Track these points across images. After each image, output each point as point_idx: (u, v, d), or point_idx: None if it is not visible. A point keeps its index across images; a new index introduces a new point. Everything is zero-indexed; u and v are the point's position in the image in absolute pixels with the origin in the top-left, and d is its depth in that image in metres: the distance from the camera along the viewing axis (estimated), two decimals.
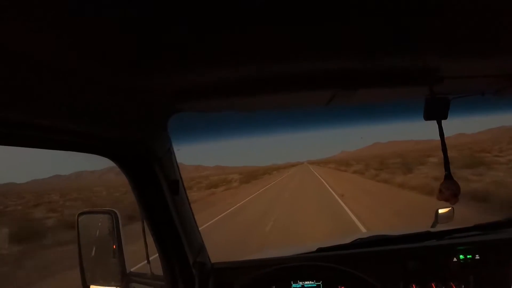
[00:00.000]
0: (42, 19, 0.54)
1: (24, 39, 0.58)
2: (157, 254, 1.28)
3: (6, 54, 0.58)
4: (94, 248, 1.48)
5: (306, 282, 1.41)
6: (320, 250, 1.56)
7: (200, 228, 1.43)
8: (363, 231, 7.64)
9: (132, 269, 1.43)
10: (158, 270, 1.38)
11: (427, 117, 1.20)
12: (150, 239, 1.26)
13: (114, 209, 1.37)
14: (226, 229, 9.91)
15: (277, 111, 1.32)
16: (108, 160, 1.06)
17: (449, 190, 1.21)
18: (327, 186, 21.14)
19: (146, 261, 1.36)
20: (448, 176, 1.22)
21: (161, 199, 1.18)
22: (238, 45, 0.72)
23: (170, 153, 1.21)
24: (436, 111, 1.19)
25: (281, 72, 0.88)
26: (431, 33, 0.74)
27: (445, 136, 1.24)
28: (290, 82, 0.93)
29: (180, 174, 1.27)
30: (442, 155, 1.24)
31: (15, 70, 0.61)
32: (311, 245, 1.63)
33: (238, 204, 16.88)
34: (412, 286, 1.38)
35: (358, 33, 0.71)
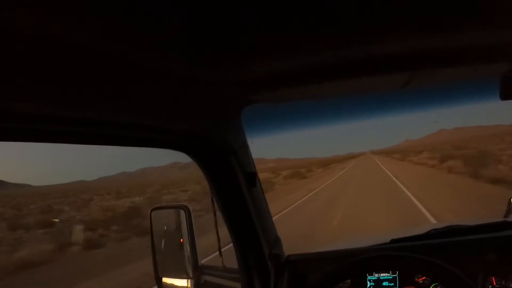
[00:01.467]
0: (111, 16, 0.55)
1: (95, 36, 0.59)
2: (226, 247, 1.32)
3: (81, 53, 0.59)
4: (166, 242, 1.56)
5: (382, 274, 1.37)
6: (393, 241, 1.51)
7: None
8: (433, 222, 7.22)
9: (203, 262, 1.49)
10: (229, 262, 1.42)
11: (504, 96, 1.11)
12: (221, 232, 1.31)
13: (186, 204, 1.42)
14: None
15: (350, 98, 1.29)
16: (171, 155, 1.09)
17: None
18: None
19: (217, 254, 1.40)
20: None
21: (238, 192, 1.20)
22: (312, 31, 0.71)
23: (245, 146, 1.23)
24: None
25: (357, 56, 0.86)
26: (508, 6, 0.69)
27: None
28: (367, 66, 0.91)
29: (255, 166, 1.29)
30: None
31: (88, 68, 0.62)
32: (383, 236, 1.58)
33: None
34: (491, 279, 1.29)
35: (431, 11, 0.68)
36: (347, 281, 1.37)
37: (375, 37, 0.78)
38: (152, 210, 1.54)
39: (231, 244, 1.32)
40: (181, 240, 1.47)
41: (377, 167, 36.86)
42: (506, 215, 1.90)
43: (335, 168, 50.61)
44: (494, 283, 1.29)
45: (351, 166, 48.04)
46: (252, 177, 1.23)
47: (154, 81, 0.77)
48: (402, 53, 0.88)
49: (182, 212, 1.41)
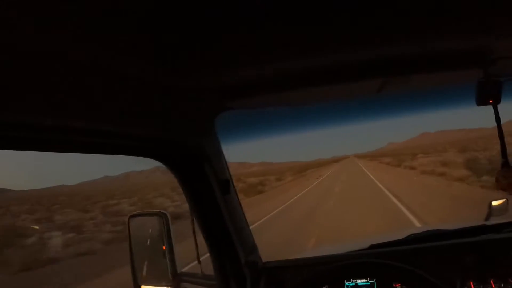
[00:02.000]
0: (85, 23, 0.55)
1: (67, 43, 0.59)
2: (207, 254, 1.31)
3: (61, 61, 0.59)
4: (145, 249, 1.53)
5: (359, 280, 1.37)
6: (372, 246, 1.52)
7: None
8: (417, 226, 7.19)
9: (182, 270, 1.47)
10: (209, 270, 1.40)
11: (480, 102, 1.13)
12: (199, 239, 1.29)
13: (164, 211, 1.41)
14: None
15: (326, 103, 1.31)
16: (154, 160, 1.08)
17: (507, 179, 1.14)
18: None
19: (196, 262, 1.39)
20: (506, 164, 1.15)
21: (212, 199, 1.19)
22: (285, 39, 0.72)
23: (220, 152, 1.23)
24: (489, 95, 1.13)
25: (331, 62, 0.87)
26: (484, 12, 0.71)
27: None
28: (341, 72, 0.92)
29: (229, 173, 1.28)
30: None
31: (60, 76, 0.62)
32: (363, 242, 1.59)
33: None
34: (470, 283, 1.31)
35: (407, 16, 0.69)
36: (325, 287, 1.38)
37: (348, 44, 0.79)
38: (130, 217, 1.52)
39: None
40: (161, 247, 1.46)
41: (364, 175, 27.64)
42: (486, 219, 1.93)
43: (310, 176, 41.29)
44: (473, 287, 1.30)
45: (329, 174, 38.61)
46: (226, 184, 1.22)
47: (126, 87, 0.77)
48: (375, 60, 0.89)
49: (160, 219, 1.39)
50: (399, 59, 0.91)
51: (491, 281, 1.30)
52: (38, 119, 0.63)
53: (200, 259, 1.37)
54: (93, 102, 0.71)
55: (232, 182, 1.28)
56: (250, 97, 1.04)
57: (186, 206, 1.25)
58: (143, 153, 1.03)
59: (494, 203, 1.87)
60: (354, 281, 1.37)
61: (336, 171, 42.45)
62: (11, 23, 0.50)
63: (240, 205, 1.35)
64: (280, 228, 10.42)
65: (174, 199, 22.08)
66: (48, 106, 0.63)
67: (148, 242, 1.54)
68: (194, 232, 1.29)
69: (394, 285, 1.34)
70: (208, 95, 1.00)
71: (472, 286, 1.30)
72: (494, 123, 1.18)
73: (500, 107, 1.17)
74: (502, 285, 1.29)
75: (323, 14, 0.64)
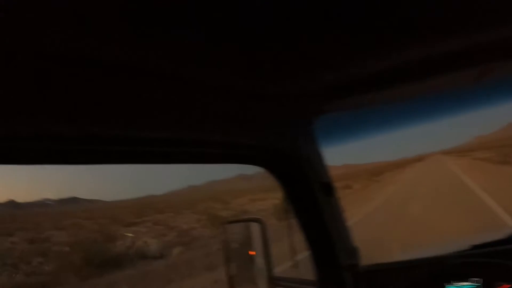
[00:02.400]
0: (164, 37, 0.57)
1: (152, 57, 0.61)
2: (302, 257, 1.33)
3: (140, 75, 0.62)
4: (240, 255, 1.61)
5: (463, 283, 1.28)
6: (475, 247, 1.42)
7: None
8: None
9: (276, 273, 1.51)
10: (302, 273, 1.43)
11: None
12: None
13: (259, 217, 1.47)
14: None
15: (418, 99, 1.26)
16: (235, 167, 1.14)
17: None
18: None
19: (287, 265, 1.43)
20: None
21: (313, 202, 1.22)
22: (375, 36, 0.71)
23: (319, 155, 1.26)
24: None
25: (425, 55, 0.85)
26: None
27: None
28: (440, 64, 0.89)
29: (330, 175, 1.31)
30: None
31: (152, 91, 0.65)
32: (462, 243, 1.48)
33: None
34: None
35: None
36: None
37: (439, 35, 0.77)
38: (225, 224, 1.62)
39: (305, 255, 1.33)
40: (255, 252, 1.52)
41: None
42: None
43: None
44: None
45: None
46: (327, 187, 1.24)
47: (221, 97, 0.81)
48: (474, 48, 0.85)
49: (256, 225, 1.46)
50: (496, 47, 0.86)
51: None
52: (130, 132, 0.68)
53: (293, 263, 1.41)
54: (189, 114, 0.75)
55: (333, 184, 1.30)
56: (344, 99, 1.04)
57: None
58: (245, 160, 1.09)
59: None
60: (456, 284, 1.28)
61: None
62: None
63: (341, 207, 1.36)
64: None
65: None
66: (140, 119, 0.68)
67: (244, 248, 1.62)
68: (290, 236, 1.33)
69: (501, 286, 1.23)
70: (305, 99, 1.01)
71: None
72: None
73: None
74: None
75: (407, 11, 0.63)
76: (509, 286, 1.22)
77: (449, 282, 1.29)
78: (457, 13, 0.69)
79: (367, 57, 0.83)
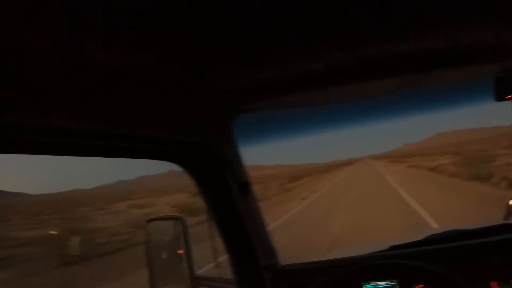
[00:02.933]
0: (106, 27, 0.55)
1: (85, 47, 0.59)
2: (225, 257, 1.30)
3: (68, 61, 0.59)
4: (163, 254, 1.54)
5: (380, 283, 1.34)
6: (393, 248, 1.48)
7: None
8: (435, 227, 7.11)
9: (199, 273, 1.47)
10: (227, 273, 1.40)
11: (499, 98, 1.10)
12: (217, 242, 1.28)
13: (181, 215, 1.41)
14: None
15: (342, 104, 1.29)
16: (168, 163, 1.08)
17: None
18: None
19: (210, 265, 1.39)
20: None
21: (231, 202, 1.19)
22: (304, 38, 0.71)
23: (239, 155, 1.22)
24: (507, 90, 1.10)
25: (349, 61, 0.86)
26: (502, 4, 0.69)
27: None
28: (359, 71, 0.91)
29: (248, 175, 1.28)
30: None
31: (79, 80, 0.62)
32: (381, 244, 1.56)
33: None
34: (493, 283, 1.27)
35: (424, 12, 0.67)
36: None
37: (367, 42, 0.77)
38: (148, 222, 1.52)
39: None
40: (178, 251, 1.46)
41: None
42: (506, 218, 1.88)
43: (301, 189, 26.72)
44: None
45: (328, 188, 23.30)
46: (245, 187, 1.21)
47: (145, 90, 0.77)
48: (395, 57, 0.87)
49: (178, 223, 1.39)
50: (417, 57, 0.89)
51: None
52: (52, 123, 0.64)
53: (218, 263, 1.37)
54: (109, 105, 0.71)
55: (251, 185, 1.27)
56: (267, 99, 1.03)
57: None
58: (160, 156, 1.03)
59: None
60: (374, 284, 1.34)
61: (340, 183, 26.89)
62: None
63: (259, 208, 1.34)
64: None
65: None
66: (62, 110, 0.63)
67: (166, 247, 1.54)
68: (211, 235, 1.29)
69: (415, 287, 1.31)
70: (226, 98, 0.99)
71: (497, 287, 1.27)
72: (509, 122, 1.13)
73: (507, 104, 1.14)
74: None
75: (340, 12, 0.62)
76: (421, 286, 1.31)
77: (367, 281, 1.35)
78: (380, 21, 0.68)
79: (289, 58, 0.81)
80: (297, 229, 9.99)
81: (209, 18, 0.58)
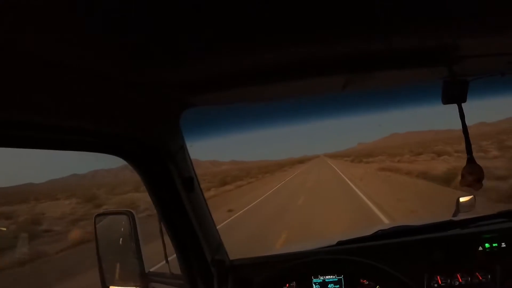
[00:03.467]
0: (48, 19, 0.53)
1: (30, 38, 0.57)
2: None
3: (12, 54, 0.57)
4: (112, 249, 1.49)
5: (327, 277, 1.37)
6: (340, 243, 1.52)
7: None
8: (386, 223, 7.37)
9: (151, 269, 1.43)
10: (178, 269, 1.37)
11: (446, 101, 1.15)
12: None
13: (130, 210, 1.36)
14: None
15: (291, 100, 1.29)
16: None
17: (472, 175, 1.16)
18: None
19: (164, 261, 1.36)
20: (471, 160, 1.17)
21: (176, 197, 1.17)
22: (249, 33, 0.70)
23: (183, 150, 1.20)
24: (455, 94, 1.15)
25: (294, 58, 0.86)
26: (448, 10, 0.71)
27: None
28: (305, 68, 0.91)
29: (194, 170, 1.26)
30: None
31: (20, 70, 0.60)
32: (331, 239, 1.59)
33: None
34: (437, 278, 1.33)
35: (371, 13, 0.68)
36: (293, 284, 1.37)
37: (312, 40, 0.78)
38: (96, 217, 1.47)
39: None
40: (129, 247, 1.42)
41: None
42: (454, 215, 1.98)
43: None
44: (440, 282, 1.33)
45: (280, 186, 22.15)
46: (190, 182, 1.20)
47: (88, 83, 0.74)
48: (340, 56, 0.88)
49: (127, 218, 1.35)
50: (363, 56, 0.91)
51: (457, 275, 1.33)
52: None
53: (169, 259, 1.35)
54: (54, 98, 0.69)
55: (197, 180, 1.26)
56: (212, 94, 1.02)
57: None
58: (107, 150, 0.99)
59: (462, 199, 1.91)
60: (321, 278, 1.37)
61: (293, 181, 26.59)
62: None
63: (206, 202, 1.33)
64: None
65: None
66: (10, 101, 0.61)
67: (116, 242, 1.49)
68: (161, 231, 1.26)
69: (361, 280, 1.35)
70: (171, 92, 0.97)
71: (440, 281, 1.33)
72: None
73: (467, 105, 1.19)
74: (469, 279, 1.32)
75: (284, 9, 0.62)
76: (365, 281, 1.35)
77: (316, 276, 1.38)
78: (325, 21, 0.68)
79: (235, 53, 0.80)
80: None
81: (153, 12, 0.57)
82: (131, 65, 0.77)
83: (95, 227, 1.46)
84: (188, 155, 1.22)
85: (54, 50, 0.62)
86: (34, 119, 0.69)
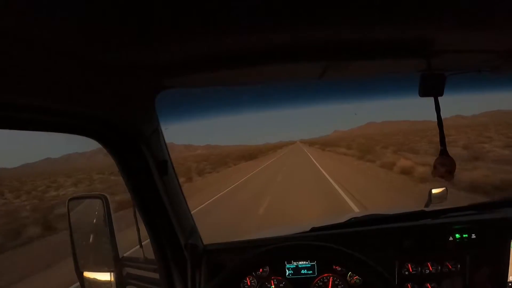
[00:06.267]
0: None
1: (7, 18, 0.55)
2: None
3: None
4: (86, 234, 1.46)
5: (300, 262, 1.39)
6: (314, 229, 1.54)
7: None
8: (357, 211, 7.57)
9: (125, 254, 1.42)
10: (151, 254, 1.36)
11: (423, 93, 1.17)
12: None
13: (104, 194, 1.34)
14: None
15: (268, 85, 1.28)
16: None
17: (444, 166, 1.19)
18: None
19: (138, 246, 1.35)
20: (444, 152, 1.20)
21: (150, 181, 1.15)
22: (227, 15, 0.68)
23: (158, 132, 1.17)
24: (432, 87, 1.16)
25: (272, 43, 0.85)
26: (428, 3, 0.71)
27: (442, 117, 1.21)
28: (282, 53, 0.90)
29: (169, 154, 1.24)
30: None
31: None
32: (305, 225, 1.61)
33: None
34: (408, 266, 1.37)
35: (351, 2, 0.67)
36: (266, 268, 1.39)
37: (291, 26, 0.76)
38: (69, 200, 1.43)
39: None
40: (103, 232, 1.39)
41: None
42: (426, 205, 2.03)
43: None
44: (411, 270, 1.37)
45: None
46: (164, 165, 1.18)
47: (60, 62, 0.72)
48: (316, 43, 0.88)
49: (101, 202, 1.33)
50: (341, 45, 0.90)
51: (428, 264, 1.37)
52: None
53: (143, 243, 1.34)
54: (25, 77, 0.66)
55: (172, 163, 1.24)
56: (188, 76, 1.00)
57: None
58: (80, 132, 0.96)
59: (434, 191, 1.96)
60: (295, 263, 1.39)
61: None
62: None
63: (180, 187, 1.31)
64: None
65: None
66: None
67: (89, 227, 1.47)
68: (135, 215, 1.24)
69: (334, 267, 1.38)
70: (145, 73, 0.94)
71: (410, 269, 1.37)
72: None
73: (444, 98, 1.22)
74: (439, 267, 1.37)
75: None
76: (339, 268, 1.38)
77: (289, 261, 1.40)
78: (303, 7, 0.67)
79: (211, 34, 0.78)
80: None
81: None
82: (104, 46, 0.74)
83: (68, 212, 1.43)
84: (163, 138, 1.20)
85: (25, 29, 0.59)
86: (6, 99, 0.66)
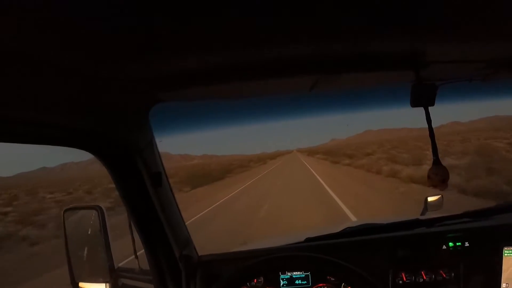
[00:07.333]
0: (9, 10, 0.52)
1: (5, 34, 0.55)
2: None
3: None
4: (81, 245, 1.46)
5: (294, 273, 1.39)
6: (308, 240, 1.54)
7: None
8: (353, 220, 7.53)
9: (120, 265, 1.42)
10: (147, 264, 1.36)
11: (414, 104, 1.19)
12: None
13: (99, 204, 1.34)
14: None
15: (261, 98, 1.29)
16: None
17: (438, 176, 1.20)
18: None
19: (134, 256, 1.35)
20: (437, 162, 1.21)
21: (144, 192, 1.15)
22: (220, 31, 0.70)
23: (152, 144, 1.18)
24: (423, 98, 1.18)
25: (263, 58, 0.86)
26: (416, 16, 0.73)
27: (438, 124, 1.22)
28: (273, 68, 0.91)
29: (163, 165, 1.24)
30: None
31: None
32: (299, 235, 1.61)
33: None
34: (402, 275, 1.37)
35: (340, 16, 0.69)
36: (260, 279, 1.39)
37: (283, 39, 0.78)
38: (65, 211, 1.43)
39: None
40: (98, 242, 1.39)
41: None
42: (422, 213, 2.04)
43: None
44: (405, 279, 1.37)
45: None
46: (158, 177, 1.19)
47: (56, 76, 0.73)
48: (307, 57, 0.89)
49: (96, 213, 1.33)
50: (331, 59, 0.92)
51: (422, 272, 1.37)
52: None
53: (138, 254, 1.33)
54: (20, 91, 0.67)
55: (166, 175, 1.25)
56: (182, 90, 1.01)
57: None
58: (74, 144, 0.97)
59: (430, 199, 1.97)
60: (289, 274, 1.39)
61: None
62: None
63: (174, 198, 1.32)
64: None
65: None
66: None
67: (84, 237, 1.46)
68: (130, 226, 1.24)
69: (328, 277, 1.38)
70: (140, 87, 0.95)
71: (404, 278, 1.37)
72: (435, 124, 1.23)
73: (435, 109, 1.23)
74: (433, 276, 1.36)
75: (255, 9, 0.62)
76: (332, 278, 1.37)
77: (283, 271, 1.40)
78: (291, 21, 0.69)
79: (203, 51, 0.79)
80: None
81: (120, 3, 0.56)
82: (99, 59, 0.75)
83: (63, 222, 1.43)
84: (157, 150, 1.21)
85: (20, 43, 0.60)
86: (3, 113, 0.67)
